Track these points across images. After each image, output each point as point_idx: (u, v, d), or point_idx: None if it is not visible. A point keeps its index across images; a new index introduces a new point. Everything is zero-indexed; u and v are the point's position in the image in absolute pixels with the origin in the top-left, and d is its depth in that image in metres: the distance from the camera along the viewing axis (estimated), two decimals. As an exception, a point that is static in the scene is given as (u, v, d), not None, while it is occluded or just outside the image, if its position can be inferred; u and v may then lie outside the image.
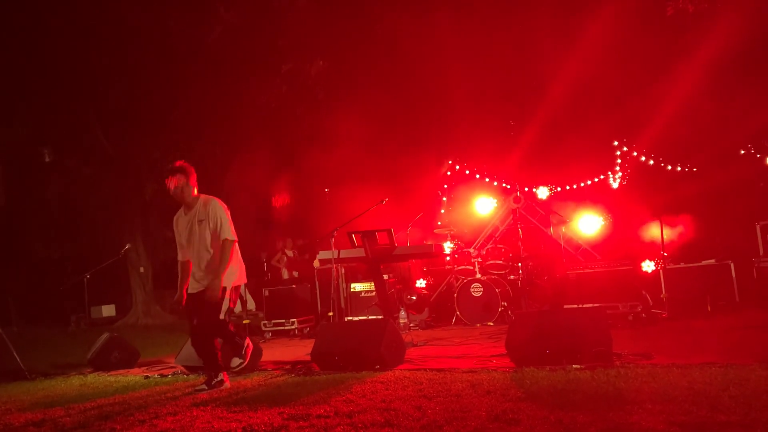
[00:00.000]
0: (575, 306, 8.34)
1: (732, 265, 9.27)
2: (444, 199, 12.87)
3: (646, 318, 8.32)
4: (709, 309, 8.64)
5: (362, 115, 14.35)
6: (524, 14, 13.43)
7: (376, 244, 7.60)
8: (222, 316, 5.64)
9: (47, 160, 18.37)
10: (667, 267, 9.24)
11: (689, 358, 5.14)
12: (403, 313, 9.00)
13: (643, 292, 8.84)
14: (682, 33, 11.58)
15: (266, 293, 10.94)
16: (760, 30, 10.84)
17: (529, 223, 11.70)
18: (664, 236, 9.14)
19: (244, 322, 10.63)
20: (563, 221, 10.53)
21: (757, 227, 10.08)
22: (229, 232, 5.69)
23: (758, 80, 11.28)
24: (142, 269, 19.11)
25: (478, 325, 9.63)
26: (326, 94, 16.35)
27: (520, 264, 10.29)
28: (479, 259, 10.37)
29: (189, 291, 5.79)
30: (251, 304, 15.43)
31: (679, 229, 10.27)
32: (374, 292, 10.07)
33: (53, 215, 19.34)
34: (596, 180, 12.20)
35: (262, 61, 15.94)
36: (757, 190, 11.72)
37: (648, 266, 9.73)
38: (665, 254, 9.19)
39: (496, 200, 12.27)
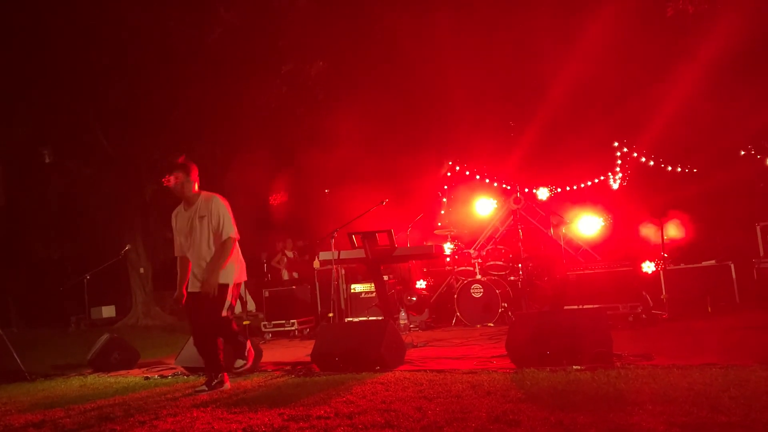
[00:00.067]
0: (575, 307, 8.34)
1: (732, 265, 9.27)
2: (444, 200, 12.87)
3: (646, 319, 8.32)
4: (710, 310, 8.64)
5: (362, 116, 14.34)
6: (524, 14, 13.42)
7: (376, 245, 7.60)
8: (224, 313, 5.60)
9: (47, 160, 18.37)
10: (668, 268, 9.24)
11: (689, 359, 5.14)
12: (403, 314, 9.00)
13: (644, 293, 8.83)
14: (682, 34, 11.58)
15: (266, 294, 10.93)
16: (760, 30, 10.84)
17: (529, 224, 11.70)
18: (665, 237, 9.13)
19: (244, 323, 10.63)
20: (563, 222, 10.53)
21: (757, 228, 10.08)
22: (232, 229, 5.65)
23: (758, 81, 11.28)
24: (142, 270, 19.11)
25: (479, 326, 9.63)
26: (326, 94, 16.35)
27: (520, 265, 10.29)
28: (479, 260, 10.37)
29: (189, 289, 5.74)
30: (251, 305, 15.43)
31: (679, 229, 10.26)
32: (374, 293, 10.07)
33: (53, 216, 19.33)
34: (596, 181, 12.20)
35: (262, 62, 15.93)
36: (757, 190, 11.72)
37: (648, 267, 9.73)
38: (665, 255, 9.18)
39: (496, 201, 12.27)
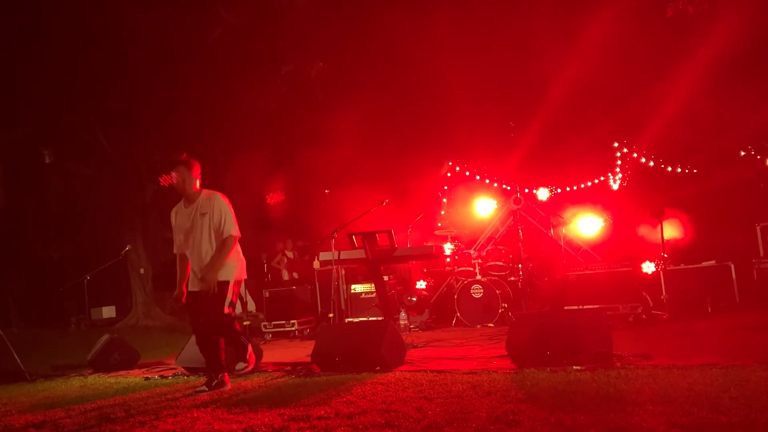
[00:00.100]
0: (575, 307, 8.34)
1: (732, 266, 9.27)
2: (444, 200, 12.88)
3: (646, 319, 8.32)
4: (710, 310, 8.64)
5: (362, 116, 14.35)
6: (524, 15, 13.43)
7: (376, 245, 7.60)
8: (227, 310, 5.58)
9: (47, 161, 18.38)
10: (668, 268, 9.24)
11: (690, 359, 5.14)
12: (403, 315, 9.01)
13: (644, 294, 8.83)
14: (682, 34, 11.58)
15: (266, 294, 10.93)
16: (760, 31, 10.84)
17: (529, 224, 11.71)
18: (665, 237, 9.13)
19: (245, 323, 10.62)
20: (563, 222, 10.54)
21: (757, 228, 10.08)
22: (234, 227, 5.64)
23: (758, 81, 11.28)
24: (142, 270, 19.11)
25: (479, 326, 9.63)
26: (326, 95, 16.36)
27: (520, 265, 10.29)
28: (479, 261, 10.38)
29: (190, 288, 5.73)
30: (251, 306, 15.44)
31: (679, 230, 10.26)
32: (374, 294, 10.08)
33: (53, 216, 19.33)
34: (596, 181, 12.21)
35: (262, 62, 15.94)
36: (757, 191, 11.73)
37: (648, 267, 9.73)
38: (665, 255, 9.18)
39: (496, 201, 12.27)
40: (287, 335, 10.54)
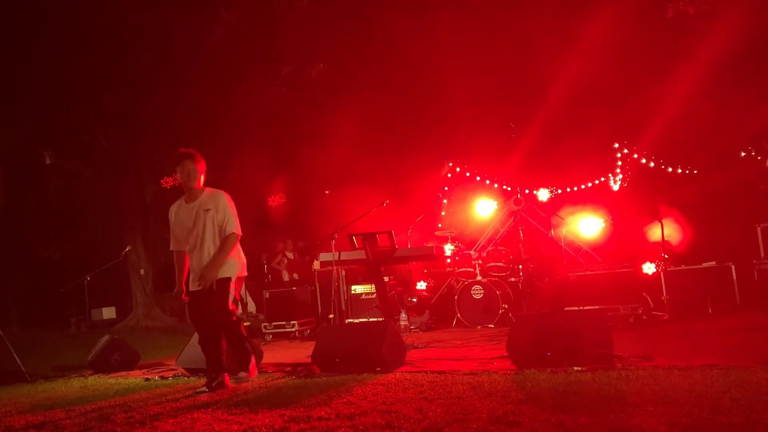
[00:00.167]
0: (576, 308, 8.33)
1: (733, 267, 9.27)
2: (444, 201, 12.89)
3: (647, 320, 8.33)
4: (710, 311, 8.64)
5: (362, 117, 14.36)
6: (524, 15, 13.43)
7: (376, 246, 7.60)
8: (231, 306, 5.56)
9: (48, 161, 18.38)
10: (668, 269, 9.24)
11: (690, 360, 5.13)
12: (403, 315, 9.00)
13: (644, 294, 8.83)
14: (682, 34, 11.58)
15: (267, 295, 10.93)
16: (761, 31, 10.84)
17: (529, 225, 11.71)
18: (665, 238, 9.13)
19: (245, 324, 10.62)
20: (564, 223, 10.53)
21: (758, 229, 10.08)
22: (236, 226, 5.63)
23: (759, 81, 11.28)
24: (142, 271, 19.11)
25: (479, 327, 9.62)
26: (326, 95, 16.36)
27: (520, 266, 10.29)
28: (480, 261, 10.37)
29: (192, 288, 5.69)
30: (252, 306, 15.43)
31: (679, 230, 10.26)
32: (375, 294, 10.07)
33: (53, 216, 19.34)
34: (597, 182, 12.22)
35: (262, 63, 15.95)
36: (758, 191, 11.73)
37: (649, 268, 9.73)
38: (666, 256, 9.18)
39: (496, 202, 12.28)
40: (287, 336, 10.54)
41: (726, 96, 11.85)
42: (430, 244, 9.42)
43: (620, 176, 12.11)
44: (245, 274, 5.86)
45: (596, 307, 7.85)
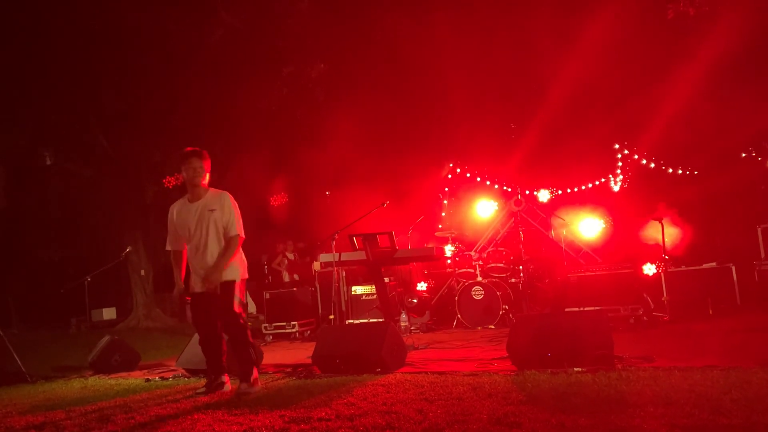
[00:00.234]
0: (576, 309, 8.32)
1: (733, 268, 9.26)
2: (445, 202, 12.90)
3: (647, 321, 8.33)
4: (711, 312, 8.64)
5: (363, 118, 14.36)
6: (524, 16, 13.43)
7: (377, 247, 7.60)
8: (237, 309, 5.49)
9: (48, 162, 18.37)
10: (668, 270, 9.23)
11: (691, 361, 5.13)
12: (404, 316, 9.00)
13: (645, 295, 8.83)
14: (682, 35, 11.58)
15: (267, 296, 10.92)
16: (761, 32, 10.84)
17: (530, 226, 11.71)
18: (665, 239, 9.13)
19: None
20: (564, 224, 10.53)
21: (758, 230, 10.07)
22: (240, 228, 5.56)
23: (759, 82, 11.28)
24: (142, 272, 19.10)
25: (479, 328, 9.62)
26: (327, 96, 16.36)
27: (521, 267, 10.28)
28: (480, 262, 10.37)
29: (195, 290, 5.60)
30: (252, 307, 15.45)
31: (680, 232, 10.26)
32: (375, 295, 10.07)
33: (54, 217, 19.34)
34: (597, 183, 12.21)
35: (262, 63, 15.94)
36: (758, 192, 11.73)
37: (649, 269, 9.73)
38: (666, 257, 9.18)
39: (497, 203, 12.28)
40: (288, 337, 10.54)
41: (726, 97, 11.85)
42: (430, 245, 9.42)
43: (620, 177, 12.11)
44: (247, 276, 5.81)
45: (597, 308, 7.84)
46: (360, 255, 7.74)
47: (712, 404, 3.67)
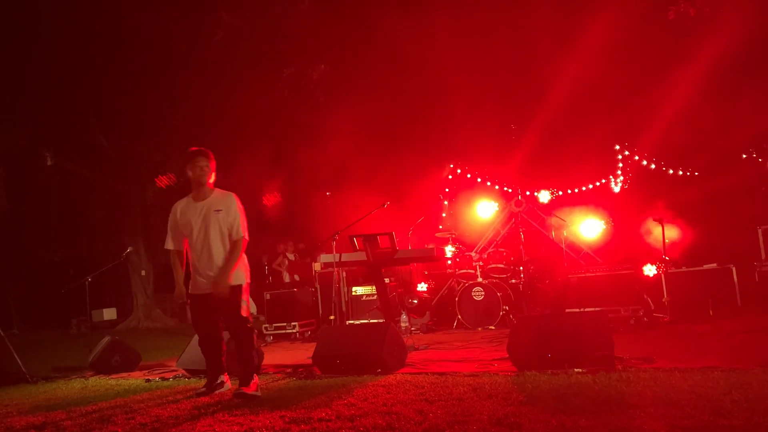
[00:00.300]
0: (577, 310, 8.34)
1: (734, 269, 9.25)
2: (445, 202, 12.90)
3: (647, 322, 8.32)
4: (711, 313, 8.63)
5: (363, 119, 14.36)
6: (525, 16, 13.43)
7: (377, 247, 7.60)
8: (245, 313, 5.44)
9: (49, 163, 18.38)
10: (669, 271, 9.23)
11: (691, 362, 5.13)
12: (404, 317, 9.00)
13: (645, 296, 8.83)
14: (683, 35, 11.58)
15: (267, 297, 10.93)
16: (762, 33, 10.84)
17: (530, 226, 11.70)
18: (666, 240, 9.13)
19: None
20: (564, 225, 10.53)
21: (759, 231, 10.07)
22: (245, 230, 5.49)
23: (760, 83, 11.27)
24: (143, 272, 19.13)
25: (480, 328, 9.62)
26: (327, 97, 16.36)
27: (521, 268, 10.29)
28: (480, 263, 10.37)
29: (196, 291, 5.53)
30: (252, 308, 15.44)
31: (681, 233, 10.26)
32: (375, 296, 10.07)
33: (54, 218, 19.35)
34: (598, 184, 12.21)
35: (262, 64, 15.95)
36: (759, 193, 11.73)
37: (649, 270, 9.73)
38: (667, 258, 9.18)
39: (497, 204, 12.28)
40: (288, 337, 10.54)
41: (727, 97, 11.85)
42: (430, 246, 9.42)
43: (621, 178, 12.11)
44: (249, 279, 5.77)
45: (597, 308, 7.85)
46: (360, 255, 7.74)
47: (713, 405, 3.67)
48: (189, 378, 6.77)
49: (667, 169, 12.15)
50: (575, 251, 11.30)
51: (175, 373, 7.16)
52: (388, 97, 15.18)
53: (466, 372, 5.56)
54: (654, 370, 4.88)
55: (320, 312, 11.05)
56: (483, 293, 9.78)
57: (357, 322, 10.28)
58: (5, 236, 19.17)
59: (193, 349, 6.63)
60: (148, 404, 5.26)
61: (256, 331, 5.70)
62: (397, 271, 10.93)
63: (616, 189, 12.10)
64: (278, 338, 10.55)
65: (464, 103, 13.88)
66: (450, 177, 12.93)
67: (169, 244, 5.71)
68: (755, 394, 3.88)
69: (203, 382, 5.83)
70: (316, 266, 11.78)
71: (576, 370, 5.08)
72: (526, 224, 11.60)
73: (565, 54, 12.47)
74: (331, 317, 9.68)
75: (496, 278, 10.32)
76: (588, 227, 11.06)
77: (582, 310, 8.20)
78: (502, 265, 10.42)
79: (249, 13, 15.46)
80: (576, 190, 12.26)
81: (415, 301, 10.22)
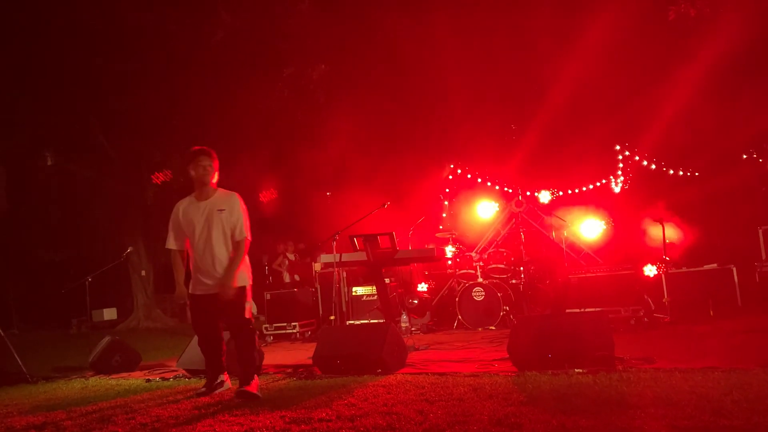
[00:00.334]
0: (577, 310, 8.34)
1: (734, 269, 9.24)
2: (446, 203, 12.90)
3: (648, 322, 8.32)
4: (712, 313, 8.63)
5: (363, 119, 14.36)
6: (525, 17, 13.43)
7: (377, 247, 7.60)
8: (248, 315, 5.42)
9: (50, 163, 18.39)
10: (669, 271, 9.22)
11: (692, 362, 5.13)
12: (404, 317, 9.00)
13: (645, 297, 8.83)
14: (683, 36, 11.58)
15: (268, 297, 10.93)
16: (762, 34, 10.84)
17: (530, 227, 11.70)
18: (666, 240, 9.13)
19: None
20: (565, 225, 10.53)
21: (760, 231, 10.07)
22: (248, 231, 5.46)
23: (760, 83, 11.27)
24: (143, 272, 19.14)
25: (480, 329, 9.62)
26: (328, 97, 16.36)
27: (521, 268, 10.29)
28: (481, 263, 10.36)
29: (198, 292, 5.49)
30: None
31: (680, 232, 10.25)
32: (376, 296, 10.07)
33: (55, 218, 19.36)
34: (598, 184, 12.21)
35: (263, 64, 15.95)
36: (759, 194, 11.73)
37: (650, 270, 9.72)
38: (667, 258, 9.18)
39: (497, 204, 12.28)
40: (288, 337, 10.54)
41: (727, 98, 11.85)
42: (431, 246, 9.42)
43: (621, 178, 12.11)
44: (252, 280, 5.75)
45: (597, 309, 7.85)
46: (361, 256, 7.74)
47: (713, 405, 3.67)
48: (189, 378, 6.77)
49: (667, 170, 12.15)
50: (575, 251, 11.30)
51: (175, 373, 7.16)
52: (388, 97, 15.18)
53: (467, 372, 5.55)
54: (654, 371, 4.88)
55: (320, 312, 11.05)
56: (483, 293, 9.78)
57: (357, 322, 10.28)
58: (6, 236, 19.17)
59: (194, 349, 6.63)
60: (148, 404, 5.26)
61: (257, 332, 5.69)
62: (397, 271, 10.93)
63: (617, 189, 12.10)
64: (278, 338, 10.55)
65: (464, 103, 13.88)
66: (450, 177, 12.93)
67: (171, 244, 5.66)
68: (756, 394, 3.88)
69: (203, 382, 5.83)
70: (317, 266, 11.78)
71: (576, 370, 5.08)
72: (527, 224, 11.59)
73: (565, 54, 12.47)
74: (332, 317, 9.68)
75: (496, 278, 10.31)
76: (588, 227, 11.05)
77: (582, 310, 8.20)
78: (502, 266, 10.42)
79: (249, 13, 15.46)
80: (576, 191, 12.27)
81: (416, 302, 10.22)
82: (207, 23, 15.41)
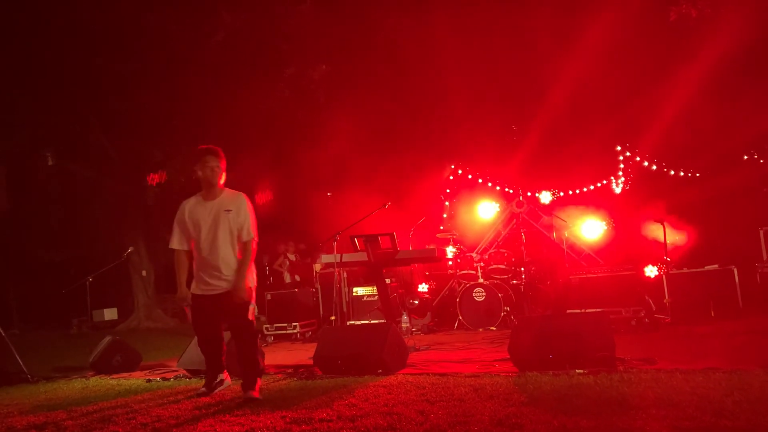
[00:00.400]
0: (578, 311, 8.33)
1: (735, 270, 9.22)
2: (447, 203, 12.89)
3: (649, 323, 8.30)
4: (713, 314, 8.62)
5: (364, 119, 14.36)
6: (525, 17, 13.43)
7: (378, 248, 7.60)
8: (251, 316, 5.38)
9: (50, 163, 18.40)
10: (670, 272, 9.21)
11: (693, 363, 5.13)
12: (405, 318, 8.99)
13: (646, 297, 8.82)
14: (684, 36, 11.58)
15: (268, 297, 10.93)
16: (763, 34, 10.83)
17: (531, 227, 11.69)
18: (667, 241, 9.12)
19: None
20: (566, 226, 10.52)
21: (761, 232, 10.05)
22: (255, 232, 5.41)
23: (761, 84, 11.27)
24: (144, 273, 19.14)
25: (481, 329, 9.61)
26: (329, 97, 16.37)
27: (522, 268, 10.28)
28: (482, 264, 10.36)
29: (200, 293, 5.44)
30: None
31: (682, 234, 10.24)
32: (376, 297, 10.07)
33: (55, 218, 19.36)
34: (599, 185, 12.20)
35: (263, 65, 15.96)
36: (760, 195, 11.71)
37: (651, 271, 9.71)
38: (668, 259, 9.17)
39: (498, 205, 12.27)
40: (289, 338, 10.53)
41: (728, 98, 11.85)
42: (431, 247, 9.41)
43: (622, 179, 12.10)
44: (256, 282, 5.72)
45: (598, 309, 7.85)
46: (361, 256, 7.74)
47: (714, 406, 3.66)
48: (190, 378, 6.76)
49: (668, 170, 12.14)
50: (576, 252, 11.28)
51: (176, 373, 7.15)
52: (388, 97, 15.19)
53: (468, 373, 5.55)
54: (655, 371, 4.87)
55: (321, 312, 11.05)
56: (484, 294, 9.77)
57: (358, 322, 10.28)
58: (6, 236, 19.18)
59: (194, 349, 6.62)
60: (149, 404, 5.26)
61: (259, 334, 5.68)
62: (398, 271, 10.93)
63: (617, 190, 12.09)
64: (279, 339, 10.55)
65: (465, 104, 13.88)
66: (451, 177, 12.92)
67: (175, 244, 5.61)
68: (756, 395, 3.88)
69: (204, 382, 5.82)
70: (317, 267, 11.78)
71: (577, 371, 5.08)
72: (527, 225, 11.59)
73: (566, 54, 12.47)
74: (332, 318, 9.66)
75: (497, 279, 10.31)
76: (589, 228, 11.04)
77: (583, 311, 8.20)
78: (503, 266, 10.41)
79: (249, 13, 15.47)
80: (577, 191, 12.26)
81: (416, 302, 10.21)
82: (207, 23, 15.42)
